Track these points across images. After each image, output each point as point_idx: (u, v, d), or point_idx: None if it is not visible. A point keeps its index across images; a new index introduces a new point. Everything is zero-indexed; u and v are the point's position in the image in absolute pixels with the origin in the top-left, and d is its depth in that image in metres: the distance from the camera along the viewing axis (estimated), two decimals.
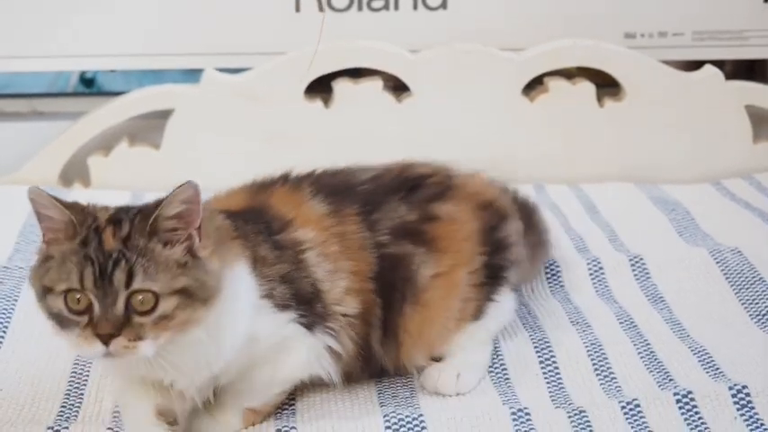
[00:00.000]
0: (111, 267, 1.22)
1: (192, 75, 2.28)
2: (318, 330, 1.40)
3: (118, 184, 2.18)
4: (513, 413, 1.41)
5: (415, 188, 1.54)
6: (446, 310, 1.51)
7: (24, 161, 2.21)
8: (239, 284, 1.32)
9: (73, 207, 1.27)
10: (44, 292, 1.25)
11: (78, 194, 2.11)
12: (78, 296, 1.23)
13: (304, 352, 1.40)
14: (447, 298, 1.50)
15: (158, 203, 1.25)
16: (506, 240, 1.58)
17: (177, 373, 1.30)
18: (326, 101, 2.22)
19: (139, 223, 1.25)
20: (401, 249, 1.47)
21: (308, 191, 1.47)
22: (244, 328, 1.33)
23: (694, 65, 2.29)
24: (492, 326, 1.58)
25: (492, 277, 1.55)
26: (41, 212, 1.26)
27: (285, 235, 1.41)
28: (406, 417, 1.40)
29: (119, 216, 1.27)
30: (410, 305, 1.48)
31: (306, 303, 1.39)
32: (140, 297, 1.22)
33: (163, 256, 1.24)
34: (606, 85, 2.27)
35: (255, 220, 1.41)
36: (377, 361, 1.49)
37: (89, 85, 2.57)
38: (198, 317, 1.26)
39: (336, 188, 1.49)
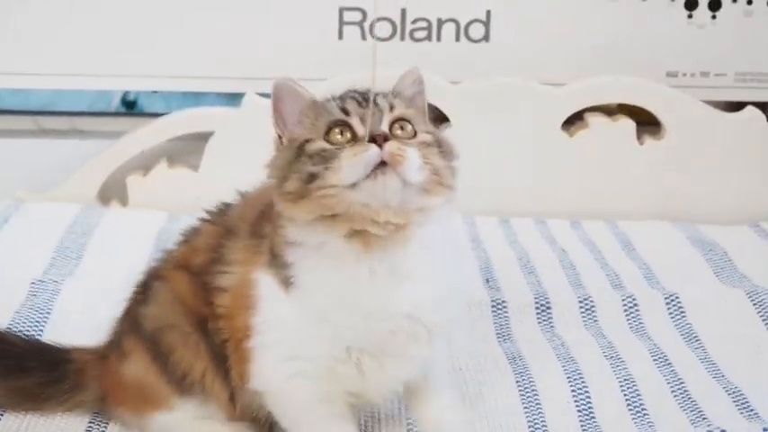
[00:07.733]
0: (373, 96, 1.25)
1: (232, 99, 2.30)
2: None
3: (155, 204, 2.19)
4: None
5: None
6: None
7: (63, 178, 2.22)
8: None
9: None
10: (299, 150, 1.25)
11: (115, 214, 2.14)
12: (339, 129, 1.24)
13: None
14: None
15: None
16: None
17: (421, 273, 1.27)
18: None
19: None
20: None
21: None
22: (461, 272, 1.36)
23: (736, 106, 2.29)
24: None
25: None
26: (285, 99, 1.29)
27: None
28: None
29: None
30: None
31: None
32: (400, 124, 1.25)
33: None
34: (646, 122, 2.26)
35: None
36: None
37: (131, 108, 2.58)
38: (444, 190, 1.26)
39: None
